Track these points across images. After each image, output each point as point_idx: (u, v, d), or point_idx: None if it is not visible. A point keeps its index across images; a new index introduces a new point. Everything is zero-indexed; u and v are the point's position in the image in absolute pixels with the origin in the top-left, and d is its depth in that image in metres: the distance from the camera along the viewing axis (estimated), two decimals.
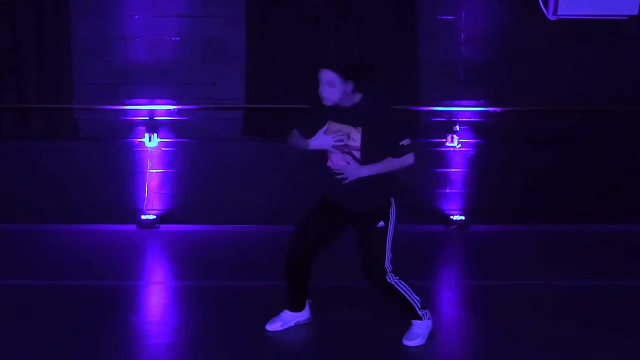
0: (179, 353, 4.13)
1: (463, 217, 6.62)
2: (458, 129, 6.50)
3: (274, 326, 4.25)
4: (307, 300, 4.37)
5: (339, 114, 3.84)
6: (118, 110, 6.46)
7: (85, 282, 5.14)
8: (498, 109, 6.45)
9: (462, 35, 6.44)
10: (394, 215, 3.97)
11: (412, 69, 6.43)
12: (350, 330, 4.37)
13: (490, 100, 6.50)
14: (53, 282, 5.15)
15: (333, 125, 3.89)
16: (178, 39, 6.39)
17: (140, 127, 6.46)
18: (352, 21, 6.37)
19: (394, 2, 6.36)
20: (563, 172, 6.63)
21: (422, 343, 4.07)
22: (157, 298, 5.17)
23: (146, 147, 6.48)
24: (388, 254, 3.91)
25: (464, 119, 6.54)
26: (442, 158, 6.64)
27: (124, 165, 6.56)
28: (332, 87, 3.71)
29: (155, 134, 6.41)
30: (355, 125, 3.79)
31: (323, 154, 4.03)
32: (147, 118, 6.41)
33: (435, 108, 6.51)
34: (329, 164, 3.98)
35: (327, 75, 3.70)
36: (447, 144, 6.55)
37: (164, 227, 6.53)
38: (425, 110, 6.53)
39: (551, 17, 6.10)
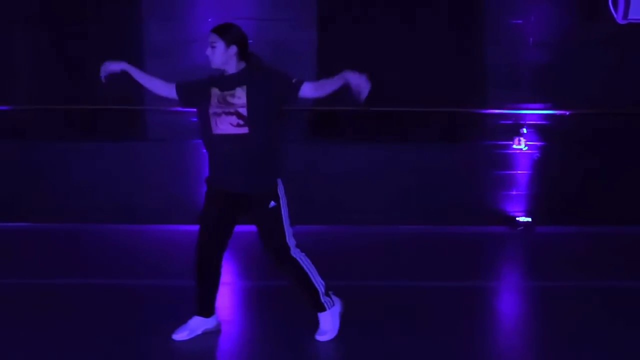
0: (241, 345, 4.15)
1: (529, 219, 6.69)
2: (525, 132, 6.58)
3: (180, 335, 3.99)
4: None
5: (224, 81, 3.83)
6: (187, 112, 6.51)
7: (158, 282, 5.20)
8: (566, 112, 6.50)
9: (530, 38, 6.50)
10: (282, 193, 3.90)
11: (480, 72, 6.51)
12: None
13: (557, 103, 6.57)
14: (126, 282, 5.20)
15: (216, 91, 3.82)
16: (250, 41, 6.43)
17: None
18: (420, 24, 6.45)
19: (462, 6, 6.43)
20: (630, 174, 6.71)
21: (334, 335, 3.98)
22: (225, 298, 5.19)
23: None
24: (288, 230, 3.87)
25: (531, 122, 6.62)
26: (508, 160, 6.71)
27: (192, 165, 6.62)
28: (214, 48, 3.78)
29: None
30: (240, 85, 3.78)
31: (205, 124, 3.85)
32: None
33: (502, 111, 6.58)
34: (215, 132, 3.79)
35: (211, 37, 3.80)
36: (514, 146, 6.62)
37: None
38: (492, 113, 6.59)
39: (620, 21, 6.17)
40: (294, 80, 3.84)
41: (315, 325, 4.01)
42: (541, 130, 6.67)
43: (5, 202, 6.63)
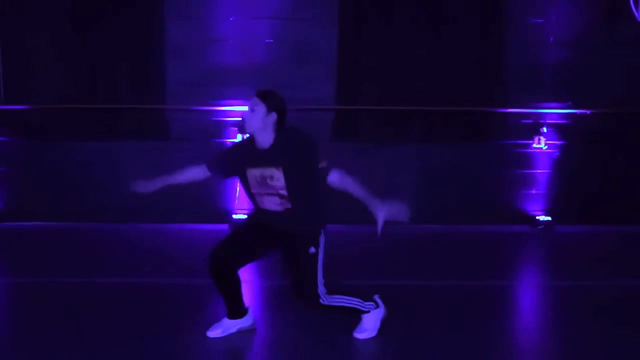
0: (261, 343, 4.13)
1: (549, 218, 6.70)
2: (545, 131, 6.59)
3: (214, 333, 4.00)
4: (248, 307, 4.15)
5: (257, 158, 3.75)
6: (209, 111, 6.55)
7: (185, 280, 5.20)
8: (587, 111, 6.51)
9: (551, 38, 6.51)
10: (323, 242, 3.87)
11: (501, 72, 6.51)
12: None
13: (578, 102, 6.57)
14: (154, 280, 5.21)
15: (253, 172, 3.78)
16: (271, 41, 6.48)
17: (232, 128, 6.54)
18: (442, 24, 6.46)
19: (483, 6, 6.44)
20: None
21: (372, 335, 3.97)
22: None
23: None
24: (320, 280, 3.81)
25: (551, 121, 6.63)
26: (529, 159, 6.72)
27: None
28: (254, 112, 3.67)
29: (248, 135, 6.48)
30: (275, 166, 3.70)
31: (250, 197, 3.90)
32: (240, 119, 6.50)
33: (523, 110, 6.59)
34: (261, 207, 3.85)
35: (253, 100, 3.68)
36: (534, 145, 6.63)
37: None
38: (513, 112, 6.60)
39: None
40: (320, 166, 3.78)
41: (351, 324, 4.03)
42: (561, 130, 6.67)
43: (27, 201, 6.69)
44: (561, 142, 6.69)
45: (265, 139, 3.69)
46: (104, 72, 6.46)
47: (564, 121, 6.65)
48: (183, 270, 5.38)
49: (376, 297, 4.03)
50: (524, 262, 6.19)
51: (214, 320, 4.03)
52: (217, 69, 6.48)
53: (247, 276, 5.00)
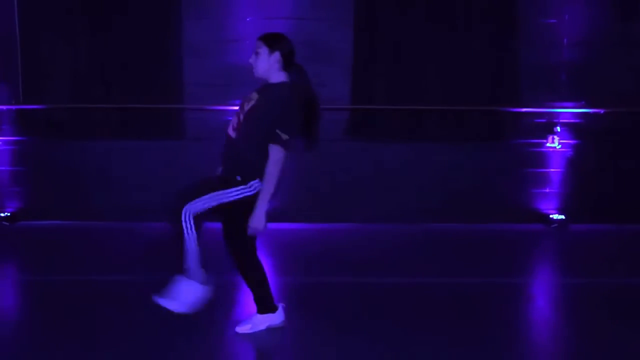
0: (270, 341, 4.12)
1: (562, 216, 6.74)
2: (559, 130, 6.64)
3: (243, 329, 4.03)
4: (281, 304, 4.13)
5: (264, 87, 3.85)
6: (225, 111, 6.59)
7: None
8: (601, 111, 6.56)
9: (564, 38, 6.56)
10: (243, 192, 3.72)
11: (515, 71, 6.56)
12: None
13: (591, 102, 6.62)
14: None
15: (253, 95, 3.86)
16: None
17: None
18: (456, 24, 6.50)
19: (497, 6, 6.49)
20: None
21: (170, 304, 3.79)
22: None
23: None
24: (206, 201, 3.65)
25: (564, 121, 6.68)
26: (542, 158, 6.77)
27: None
28: (258, 55, 3.76)
29: None
30: (258, 93, 3.81)
31: None
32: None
33: (536, 110, 6.64)
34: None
35: (257, 44, 3.77)
36: (548, 144, 6.68)
37: (269, 225, 6.63)
38: (526, 112, 6.65)
39: None
40: (277, 130, 3.67)
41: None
42: (575, 129, 6.72)
43: (44, 200, 6.74)
44: (575, 142, 6.73)
45: (273, 79, 3.80)
46: (121, 72, 6.49)
47: (578, 120, 6.70)
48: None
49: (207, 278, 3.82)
50: (539, 260, 6.22)
51: (234, 316, 4.07)
52: (233, 69, 6.52)
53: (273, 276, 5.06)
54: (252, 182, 3.72)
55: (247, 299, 4.51)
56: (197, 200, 3.63)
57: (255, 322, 4.01)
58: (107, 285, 4.96)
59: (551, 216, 6.78)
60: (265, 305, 4.00)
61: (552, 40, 6.58)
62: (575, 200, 6.78)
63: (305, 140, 3.94)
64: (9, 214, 6.69)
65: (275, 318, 4.03)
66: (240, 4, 6.49)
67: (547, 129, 6.67)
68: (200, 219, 3.65)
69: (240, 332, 3.98)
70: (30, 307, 4.70)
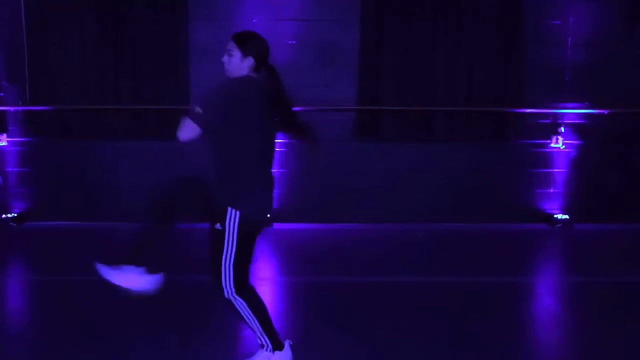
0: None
1: (567, 216, 6.81)
2: (563, 131, 6.69)
3: None
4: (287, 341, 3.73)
5: None
6: None
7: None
8: (605, 111, 6.61)
9: (569, 39, 6.61)
10: (234, 227, 3.40)
11: (519, 72, 6.61)
12: None
13: (595, 102, 6.68)
14: (186, 278, 5.27)
15: None
16: (294, 42, 6.56)
17: None
18: (462, 25, 6.55)
19: (503, 7, 6.54)
20: None
21: None
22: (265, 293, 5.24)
23: None
24: (226, 272, 3.44)
25: (569, 121, 6.74)
26: (547, 159, 6.83)
27: None
28: (230, 57, 3.56)
29: None
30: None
31: None
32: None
33: (540, 110, 6.70)
34: None
35: (230, 45, 3.58)
36: (552, 145, 6.74)
37: (277, 226, 6.71)
38: (531, 113, 6.70)
39: None
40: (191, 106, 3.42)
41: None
42: (579, 129, 6.78)
43: (52, 200, 6.76)
44: (579, 142, 6.79)
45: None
46: (128, 72, 6.51)
47: (582, 121, 6.76)
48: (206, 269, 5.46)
49: (286, 343, 3.62)
50: (544, 259, 6.31)
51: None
52: None
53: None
54: (228, 216, 3.39)
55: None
56: (222, 274, 3.43)
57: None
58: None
59: (556, 216, 6.84)
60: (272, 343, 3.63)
61: (556, 41, 6.64)
62: (579, 200, 6.84)
63: (302, 142, 3.82)
64: (16, 215, 6.71)
65: (284, 356, 3.62)
66: (248, 5, 6.52)
67: (552, 130, 6.73)
68: (241, 283, 3.47)
69: None
70: (37, 307, 4.73)
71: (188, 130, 3.34)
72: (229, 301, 3.46)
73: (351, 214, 6.83)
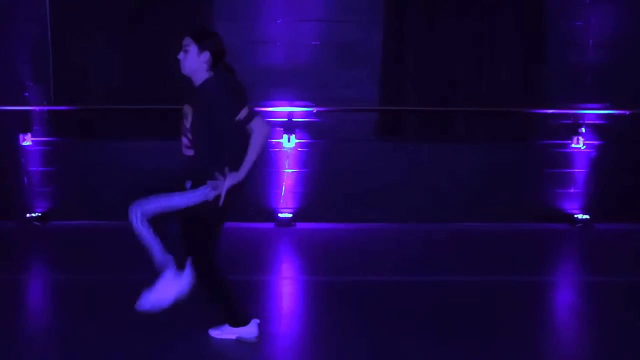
0: (300, 340, 4.22)
1: (587, 216, 6.85)
2: (584, 131, 6.73)
3: (214, 332, 4.01)
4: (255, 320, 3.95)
5: (191, 94, 3.70)
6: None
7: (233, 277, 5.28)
8: (626, 112, 6.65)
9: (590, 40, 6.65)
10: (198, 198, 3.61)
11: (540, 72, 6.65)
12: None
13: (617, 103, 6.72)
14: None
15: (186, 108, 3.72)
16: (317, 43, 6.60)
17: (277, 128, 6.65)
18: (483, 27, 6.60)
19: (524, 9, 6.58)
20: None
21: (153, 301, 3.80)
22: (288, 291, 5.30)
23: (284, 148, 6.68)
24: (152, 203, 3.66)
25: (590, 122, 6.78)
26: (567, 159, 6.87)
27: (260, 165, 6.71)
28: (185, 52, 3.61)
29: (293, 135, 6.61)
30: (191, 104, 3.66)
31: None
32: (286, 119, 6.61)
33: (562, 111, 6.74)
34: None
35: (186, 41, 3.62)
36: (573, 145, 6.77)
37: (300, 225, 6.75)
38: (552, 113, 6.74)
39: None
40: (238, 118, 3.54)
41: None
42: (600, 130, 6.82)
43: (76, 200, 6.79)
44: (599, 142, 6.83)
45: (198, 78, 3.66)
46: (151, 73, 6.53)
47: (602, 122, 6.80)
48: (230, 268, 5.46)
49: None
50: (564, 259, 6.36)
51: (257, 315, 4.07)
52: (264, 70, 6.60)
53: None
54: (200, 188, 3.60)
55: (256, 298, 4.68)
56: (145, 201, 3.65)
57: (225, 331, 3.92)
58: (138, 284, 4.98)
59: (576, 216, 6.88)
60: (235, 320, 3.87)
61: (578, 42, 6.68)
62: (599, 200, 6.88)
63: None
64: (40, 214, 6.75)
65: (247, 332, 3.87)
66: (271, 6, 6.56)
67: (573, 130, 6.77)
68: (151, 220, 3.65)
69: (211, 334, 3.94)
70: (62, 306, 4.74)
71: (266, 129, 3.63)
72: (130, 217, 3.70)
73: (372, 214, 6.86)
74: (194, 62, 3.61)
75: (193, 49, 3.59)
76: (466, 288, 5.07)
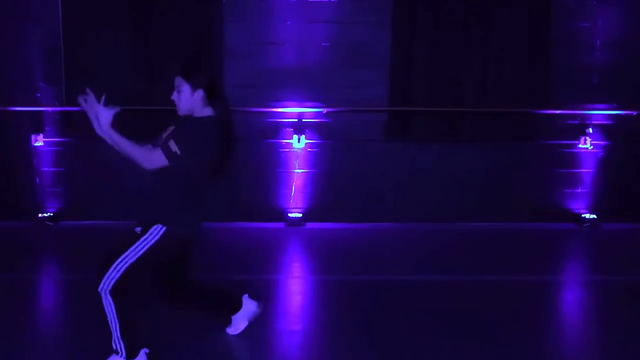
0: (310, 338, 4.26)
1: (594, 216, 6.90)
2: (591, 131, 6.79)
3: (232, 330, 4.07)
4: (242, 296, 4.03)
5: (179, 122, 3.62)
6: (265, 112, 6.71)
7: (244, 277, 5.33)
8: (633, 112, 6.71)
9: (597, 41, 6.70)
10: (151, 240, 3.45)
11: (547, 73, 6.70)
12: None
13: (623, 103, 6.78)
14: (213, 275, 5.34)
15: (168, 130, 3.65)
16: (326, 44, 6.65)
17: (287, 129, 6.71)
18: (491, 27, 6.65)
19: (532, 10, 6.63)
20: None
21: None
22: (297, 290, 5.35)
23: (294, 148, 6.74)
24: (115, 269, 3.39)
25: (597, 122, 6.84)
26: (575, 159, 6.93)
27: (270, 165, 6.82)
28: (179, 93, 3.57)
29: (303, 136, 6.66)
30: (176, 126, 3.59)
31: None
32: (296, 120, 6.66)
33: (569, 111, 6.80)
34: None
35: (177, 81, 3.57)
36: (580, 145, 6.83)
37: (309, 225, 6.81)
38: (559, 114, 6.80)
39: None
40: (170, 143, 3.42)
41: None
42: (607, 130, 6.88)
43: (87, 200, 6.85)
44: (606, 142, 6.89)
45: (198, 114, 3.57)
46: (162, 74, 6.57)
47: (610, 122, 6.86)
48: (240, 267, 5.55)
49: (142, 352, 3.57)
50: (571, 258, 6.42)
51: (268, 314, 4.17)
52: (273, 71, 6.65)
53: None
54: (153, 227, 3.47)
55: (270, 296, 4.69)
56: (107, 273, 3.40)
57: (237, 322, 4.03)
58: None
59: (583, 215, 6.93)
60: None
61: (585, 42, 6.73)
62: (607, 200, 6.93)
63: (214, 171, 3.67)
64: (51, 214, 6.80)
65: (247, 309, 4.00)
66: (281, 7, 6.61)
67: (580, 130, 6.83)
68: (122, 287, 3.42)
69: (228, 332, 4.03)
70: (73, 306, 4.77)
71: (157, 161, 3.43)
72: (99, 295, 3.41)
73: (382, 214, 6.92)
74: (189, 102, 3.55)
75: (186, 88, 3.53)
76: (476, 287, 5.12)
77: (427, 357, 3.86)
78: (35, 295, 5.06)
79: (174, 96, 3.58)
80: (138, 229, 3.50)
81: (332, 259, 5.92)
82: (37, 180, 6.80)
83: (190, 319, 4.13)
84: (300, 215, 6.82)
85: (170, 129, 3.61)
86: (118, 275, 3.39)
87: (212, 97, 3.56)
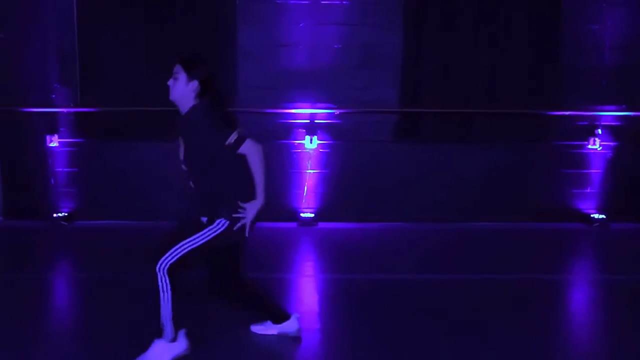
0: (322, 336, 4.28)
1: (603, 216, 6.96)
2: (600, 132, 6.85)
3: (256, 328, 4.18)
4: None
5: (180, 124, 3.72)
6: (278, 113, 6.78)
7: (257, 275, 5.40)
8: None
9: (607, 43, 6.77)
10: (215, 231, 3.61)
11: (557, 75, 6.76)
12: None
13: (632, 105, 6.85)
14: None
15: (180, 139, 3.80)
16: (338, 46, 6.72)
17: (299, 130, 6.78)
18: (501, 29, 6.72)
19: (541, 12, 6.70)
20: None
21: None
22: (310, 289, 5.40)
23: (306, 149, 6.80)
24: (177, 250, 3.55)
25: (605, 123, 6.90)
26: (584, 160, 6.99)
27: (282, 165, 6.89)
28: (175, 80, 3.62)
29: (315, 136, 6.73)
30: (183, 136, 3.73)
31: None
32: (308, 121, 6.73)
33: (578, 112, 6.86)
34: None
35: (176, 68, 3.63)
36: (589, 146, 6.89)
37: (321, 225, 6.87)
38: (568, 115, 6.86)
39: None
40: (227, 143, 3.54)
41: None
42: (616, 131, 6.94)
43: (101, 200, 6.93)
44: (615, 143, 6.95)
45: (184, 106, 3.64)
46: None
47: (619, 123, 6.92)
48: (253, 266, 5.53)
49: (181, 334, 3.73)
50: (581, 258, 6.44)
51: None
52: (286, 73, 6.72)
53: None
54: (218, 220, 3.62)
55: (284, 297, 4.69)
56: (169, 252, 3.54)
57: (268, 327, 4.12)
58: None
59: (592, 215, 6.99)
60: (276, 317, 4.07)
61: (594, 44, 6.80)
62: (615, 200, 7.00)
63: None
64: (66, 214, 6.87)
65: (289, 327, 4.08)
66: (293, 10, 6.68)
67: (589, 131, 6.90)
68: (177, 270, 3.57)
69: (253, 330, 4.12)
70: (87, 304, 4.82)
71: (260, 150, 3.65)
72: (155, 273, 3.52)
73: (392, 214, 6.98)
74: (182, 90, 3.60)
75: (182, 76, 3.60)
76: (485, 286, 5.16)
77: (436, 355, 3.90)
78: (51, 294, 5.13)
79: (170, 82, 3.65)
80: (204, 219, 3.63)
81: (343, 258, 5.97)
82: (52, 180, 6.88)
83: (210, 313, 4.19)
84: (312, 215, 6.89)
85: (182, 145, 3.75)
86: (177, 257, 3.54)
87: (206, 91, 3.63)
